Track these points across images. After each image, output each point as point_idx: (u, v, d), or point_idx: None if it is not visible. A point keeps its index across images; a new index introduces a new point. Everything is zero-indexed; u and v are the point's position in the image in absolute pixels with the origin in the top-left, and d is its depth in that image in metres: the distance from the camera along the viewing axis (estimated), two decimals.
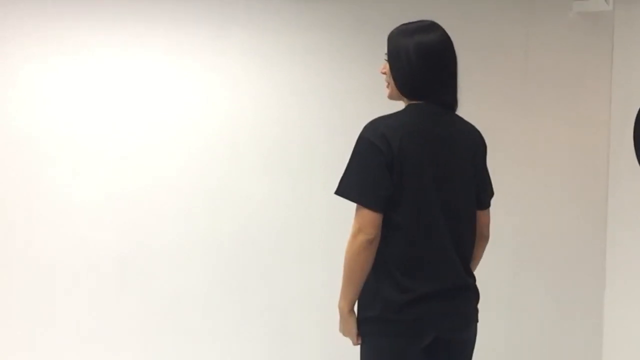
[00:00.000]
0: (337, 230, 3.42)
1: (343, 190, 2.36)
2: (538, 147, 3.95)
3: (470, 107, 3.72)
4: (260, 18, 3.67)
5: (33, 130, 3.50)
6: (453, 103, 2.46)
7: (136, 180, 3.58)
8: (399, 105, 2.47)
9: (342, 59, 3.74)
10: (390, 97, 2.47)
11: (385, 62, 2.45)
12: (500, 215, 3.87)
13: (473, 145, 2.49)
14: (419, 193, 2.33)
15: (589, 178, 3.98)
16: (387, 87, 2.47)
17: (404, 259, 2.35)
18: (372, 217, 2.30)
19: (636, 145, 3.76)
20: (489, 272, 3.84)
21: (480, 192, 2.54)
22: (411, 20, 2.45)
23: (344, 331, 2.46)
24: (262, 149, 3.69)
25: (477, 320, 2.52)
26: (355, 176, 2.34)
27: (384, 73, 2.46)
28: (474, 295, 2.51)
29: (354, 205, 2.36)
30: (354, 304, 2.41)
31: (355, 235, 2.31)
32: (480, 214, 2.56)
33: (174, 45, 3.61)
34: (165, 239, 3.62)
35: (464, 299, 2.45)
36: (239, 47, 3.66)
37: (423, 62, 2.35)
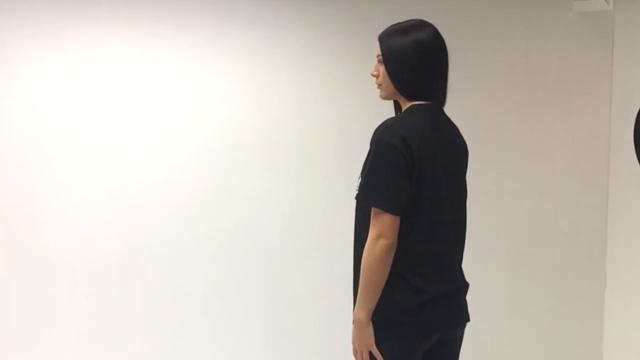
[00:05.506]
0: (337, 229, 3.43)
1: (367, 196, 2.29)
2: (538, 147, 3.95)
3: (471, 107, 3.75)
4: (261, 17, 3.67)
5: (33, 130, 3.49)
6: (444, 101, 2.43)
7: (137, 179, 3.58)
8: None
9: (342, 58, 3.73)
10: (385, 97, 2.42)
11: (377, 63, 2.40)
12: (501, 215, 3.90)
13: (463, 145, 2.49)
14: (433, 194, 2.30)
15: (589, 178, 3.98)
16: (378, 88, 2.42)
17: (417, 260, 2.31)
18: (392, 222, 2.24)
19: (636, 145, 3.76)
20: (489, 272, 3.87)
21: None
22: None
23: (360, 343, 2.33)
24: (262, 148, 3.69)
25: (468, 318, 2.51)
26: (379, 181, 2.27)
27: (375, 75, 2.41)
28: (465, 293, 2.50)
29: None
30: (371, 313, 2.30)
31: (375, 241, 2.24)
32: None
33: (174, 45, 3.60)
34: (165, 238, 3.62)
35: (461, 299, 2.46)
36: (239, 47, 3.66)
37: (423, 60, 2.32)
